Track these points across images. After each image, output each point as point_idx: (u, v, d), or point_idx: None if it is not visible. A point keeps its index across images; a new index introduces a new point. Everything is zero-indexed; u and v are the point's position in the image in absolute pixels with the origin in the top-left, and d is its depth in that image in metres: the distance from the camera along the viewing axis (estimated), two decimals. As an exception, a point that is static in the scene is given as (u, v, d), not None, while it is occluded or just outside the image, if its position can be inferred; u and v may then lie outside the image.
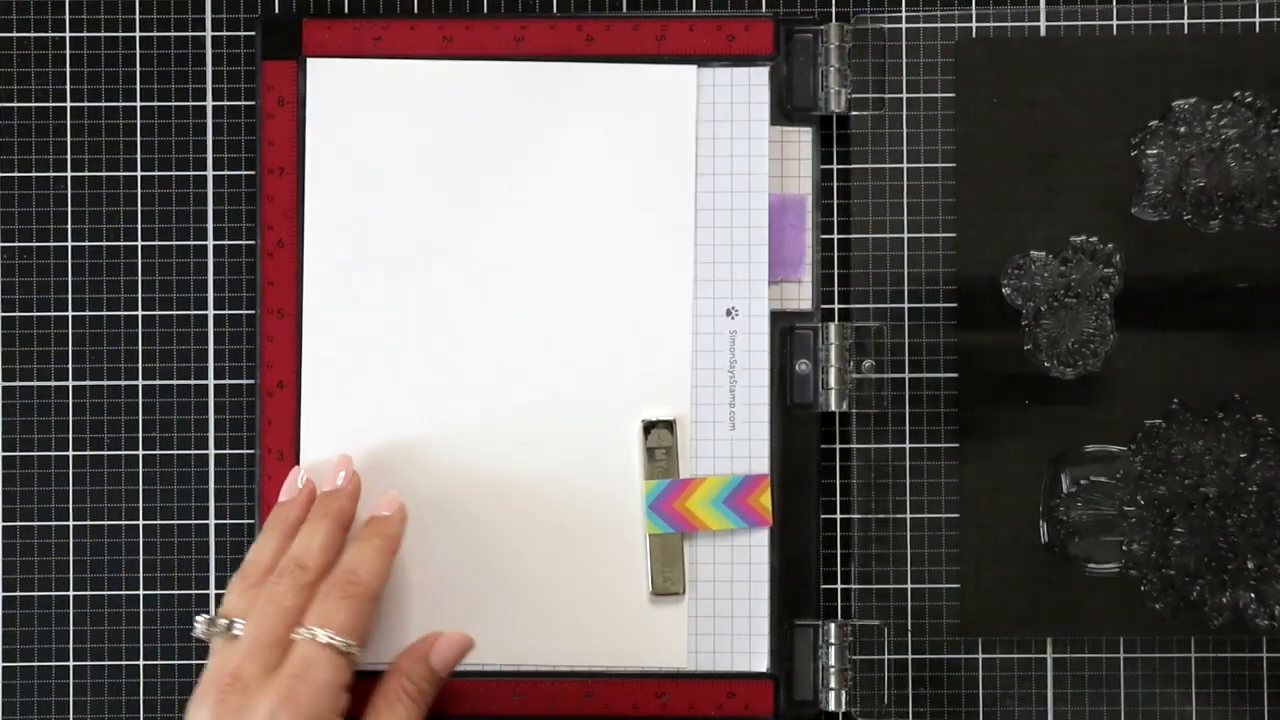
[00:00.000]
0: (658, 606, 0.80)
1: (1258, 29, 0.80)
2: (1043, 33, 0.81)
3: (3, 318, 0.81)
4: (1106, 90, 0.80)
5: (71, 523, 0.81)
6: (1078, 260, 0.79)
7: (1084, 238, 0.80)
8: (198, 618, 0.73)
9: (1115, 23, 0.81)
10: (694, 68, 0.80)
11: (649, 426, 0.79)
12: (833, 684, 0.80)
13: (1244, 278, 0.79)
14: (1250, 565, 0.79)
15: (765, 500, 0.79)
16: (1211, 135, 0.79)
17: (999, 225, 0.80)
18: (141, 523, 0.81)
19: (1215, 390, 0.79)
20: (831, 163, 0.81)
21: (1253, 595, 0.79)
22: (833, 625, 0.80)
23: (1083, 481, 0.79)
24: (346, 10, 0.82)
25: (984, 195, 0.80)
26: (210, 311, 0.81)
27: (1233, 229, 0.79)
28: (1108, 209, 0.80)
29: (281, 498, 0.77)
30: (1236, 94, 0.79)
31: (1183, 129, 0.79)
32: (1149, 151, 0.79)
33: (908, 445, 0.80)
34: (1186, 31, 0.80)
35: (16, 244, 0.81)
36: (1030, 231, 0.80)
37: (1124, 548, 0.79)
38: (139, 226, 0.82)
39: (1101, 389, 0.79)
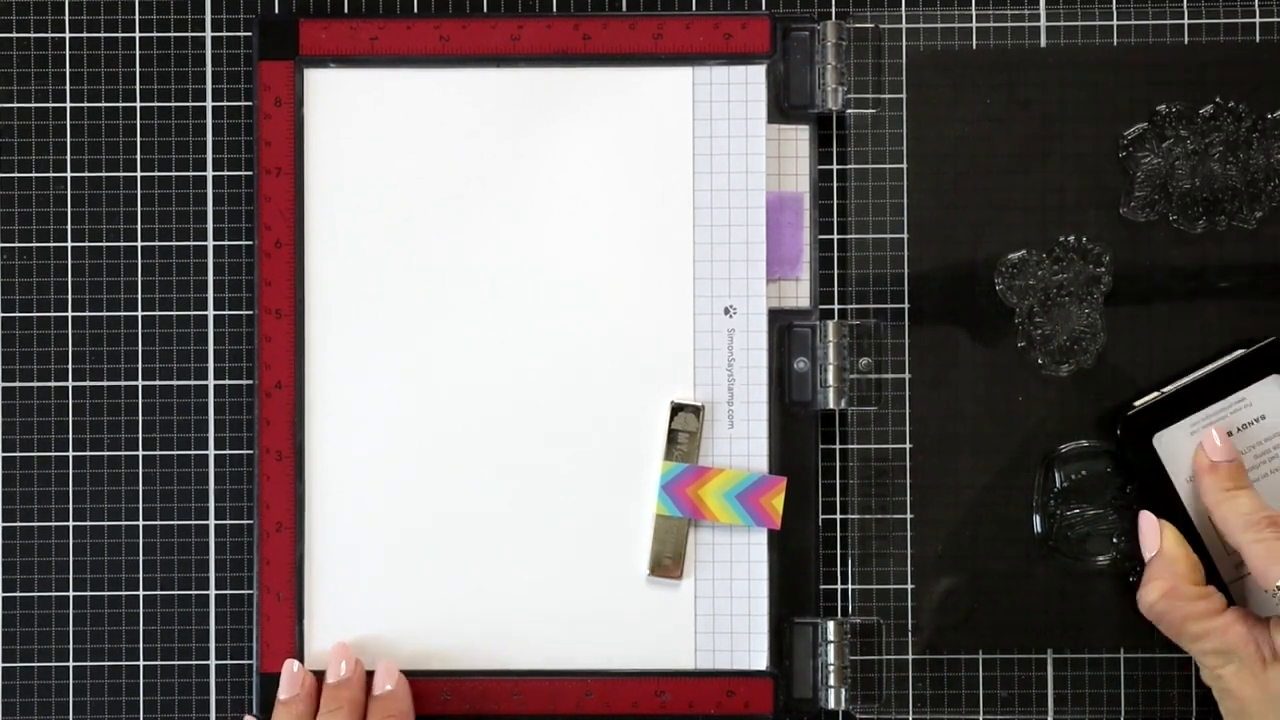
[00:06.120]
0: (658, 604, 0.80)
1: (1240, 38, 0.81)
2: (1042, 33, 0.81)
3: (3, 318, 0.81)
4: (1096, 95, 0.80)
5: (71, 523, 0.81)
6: (1069, 259, 0.80)
7: (1075, 237, 0.80)
8: None
9: (1115, 23, 0.81)
10: (690, 70, 0.80)
11: (676, 409, 0.79)
12: (832, 682, 0.80)
13: (1227, 277, 0.80)
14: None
15: (778, 503, 0.79)
16: (1196, 139, 0.80)
17: (993, 224, 0.80)
18: (141, 523, 0.81)
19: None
20: (830, 161, 0.81)
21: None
22: (831, 623, 0.80)
23: (1074, 476, 0.79)
24: (346, 10, 0.82)
25: (979, 195, 0.80)
26: (210, 312, 0.82)
27: (1217, 229, 0.80)
28: (1098, 210, 0.80)
29: (282, 695, 0.78)
30: (1218, 99, 0.80)
31: (1169, 133, 0.80)
32: (1137, 154, 0.79)
33: (907, 445, 0.80)
34: (1185, 35, 0.81)
35: (16, 244, 0.82)
36: (1023, 231, 0.80)
37: (1114, 540, 0.79)
38: (139, 226, 0.82)
39: (1093, 385, 0.80)
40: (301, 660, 0.79)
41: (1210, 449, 0.76)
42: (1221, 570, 0.77)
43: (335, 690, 0.78)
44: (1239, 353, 0.78)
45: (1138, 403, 0.77)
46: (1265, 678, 0.72)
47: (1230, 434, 0.76)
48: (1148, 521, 0.77)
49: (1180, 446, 0.77)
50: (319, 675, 0.79)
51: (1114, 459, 0.78)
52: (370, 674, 0.79)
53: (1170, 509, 0.77)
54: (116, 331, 0.82)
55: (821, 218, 0.81)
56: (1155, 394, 0.77)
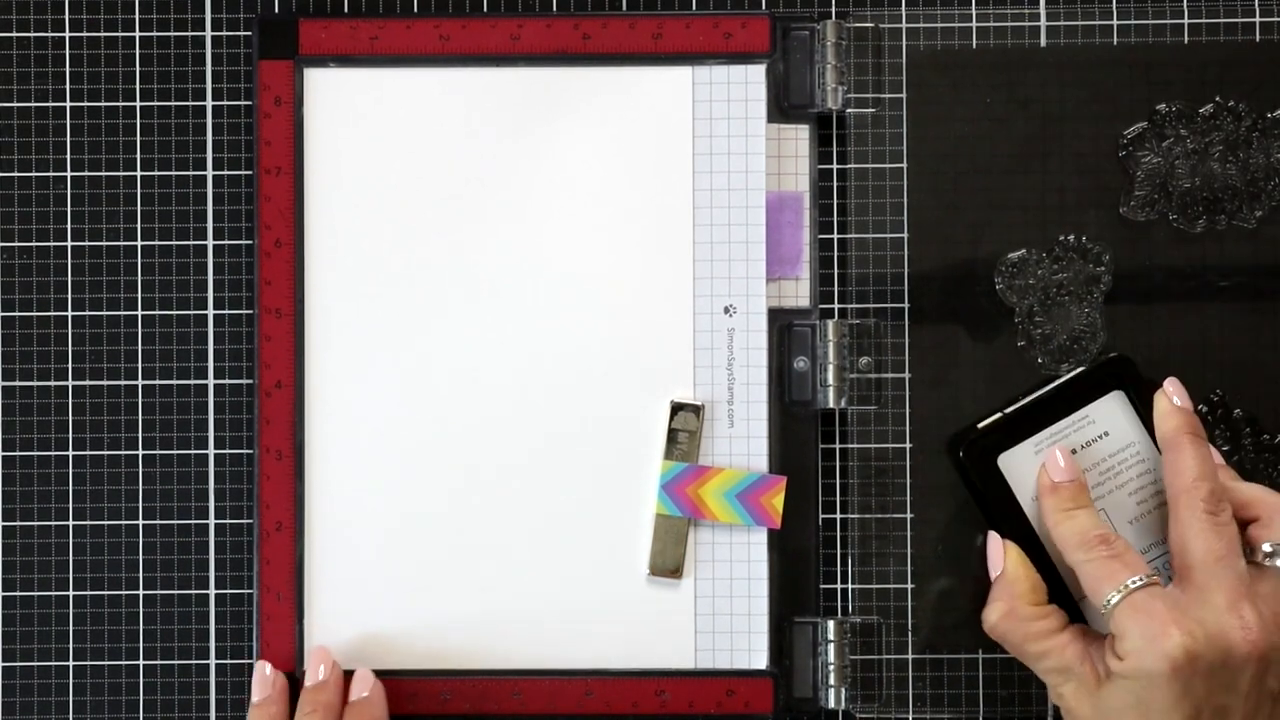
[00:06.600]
0: (658, 604, 0.80)
1: (1240, 37, 0.81)
2: (1042, 32, 0.81)
3: (3, 318, 0.81)
4: (1096, 95, 0.80)
5: (71, 523, 0.81)
6: (1069, 259, 0.80)
7: (1075, 237, 0.80)
8: None
9: (1115, 23, 0.81)
10: (690, 70, 0.80)
11: (676, 408, 0.79)
12: (832, 681, 0.80)
13: (1227, 276, 0.80)
14: None
15: (778, 502, 0.79)
16: (1196, 139, 0.80)
17: (993, 224, 0.80)
18: (141, 523, 0.81)
19: (1200, 386, 0.79)
20: (830, 161, 0.81)
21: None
22: (831, 623, 0.80)
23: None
24: (346, 10, 0.82)
25: (979, 195, 0.80)
26: (210, 311, 0.82)
27: (1216, 229, 0.80)
28: (1098, 209, 0.80)
29: (255, 697, 0.78)
30: (1218, 99, 0.80)
31: (1169, 132, 0.80)
32: (1137, 154, 0.79)
33: (907, 445, 0.80)
34: (1185, 34, 0.81)
35: (16, 244, 0.82)
36: (1023, 230, 0.80)
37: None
38: (139, 226, 0.82)
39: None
40: (301, 660, 0.79)
41: (1053, 469, 0.74)
42: (1071, 588, 0.75)
43: (312, 694, 0.78)
44: (1080, 370, 0.77)
45: (981, 424, 0.76)
46: (1098, 696, 0.71)
47: (1074, 451, 0.75)
48: (993, 543, 0.76)
49: (1025, 466, 0.76)
50: (292, 677, 0.79)
51: (961, 479, 0.77)
52: (350, 675, 0.79)
53: (1017, 529, 0.76)
54: (116, 331, 0.82)
55: (821, 217, 0.81)
56: (998, 414, 0.76)
